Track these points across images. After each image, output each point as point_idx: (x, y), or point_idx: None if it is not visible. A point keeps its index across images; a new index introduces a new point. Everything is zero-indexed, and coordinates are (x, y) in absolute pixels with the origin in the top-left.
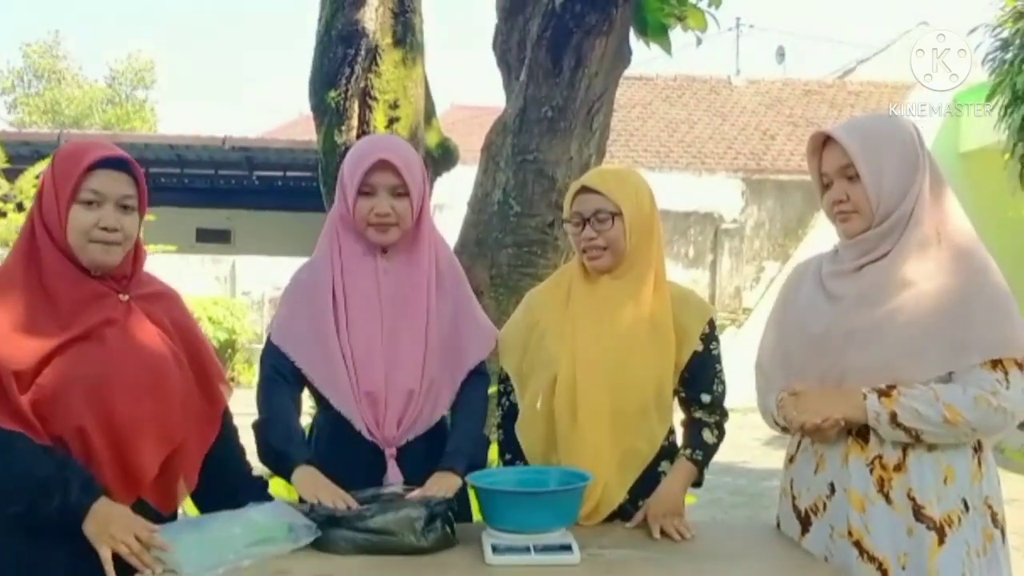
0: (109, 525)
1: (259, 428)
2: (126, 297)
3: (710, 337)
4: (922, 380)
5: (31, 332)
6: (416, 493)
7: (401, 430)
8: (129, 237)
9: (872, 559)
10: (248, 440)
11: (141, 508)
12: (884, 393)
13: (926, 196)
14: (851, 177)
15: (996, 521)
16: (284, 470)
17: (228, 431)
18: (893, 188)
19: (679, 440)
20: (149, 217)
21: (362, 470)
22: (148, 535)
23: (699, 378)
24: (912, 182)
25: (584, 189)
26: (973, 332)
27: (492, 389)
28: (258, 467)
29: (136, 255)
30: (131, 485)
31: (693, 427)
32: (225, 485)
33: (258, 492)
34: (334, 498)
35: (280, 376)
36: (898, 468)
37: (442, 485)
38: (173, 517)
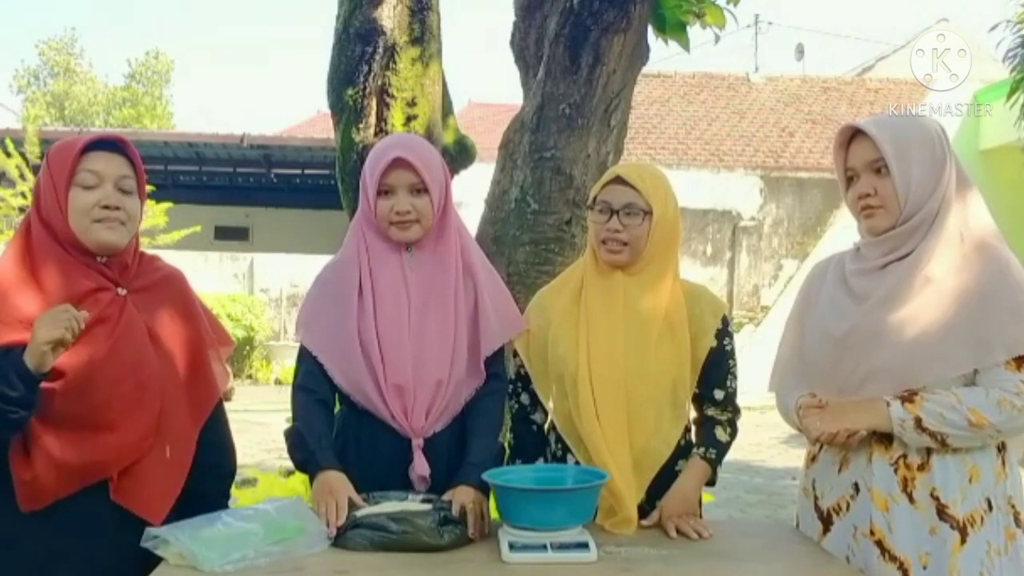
0: (37, 327)
1: (288, 433)
2: (124, 292)
3: (724, 333)
4: (947, 379)
5: (24, 330)
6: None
7: (429, 420)
8: (132, 218)
9: (893, 559)
10: (260, 436)
11: (127, 519)
12: (907, 399)
13: (951, 195)
14: (879, 172)
15: (1019, 521)
16: (309, 475)
17: (217, 435)
18: (920, 185)
19: (693, 438)
20: (169, 204)
21: (389, 461)
22: (68, 315)
23: (713, 375)
24: (939, 181)
25: (618, 180)
26: (997, 330)
27: None
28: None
29: (135, 246)
30: (102, 464)
31: (706, 425)
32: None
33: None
34: (328, 513)
35: (312, 378)
36: (922, 468)
37: (464, 499)
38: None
